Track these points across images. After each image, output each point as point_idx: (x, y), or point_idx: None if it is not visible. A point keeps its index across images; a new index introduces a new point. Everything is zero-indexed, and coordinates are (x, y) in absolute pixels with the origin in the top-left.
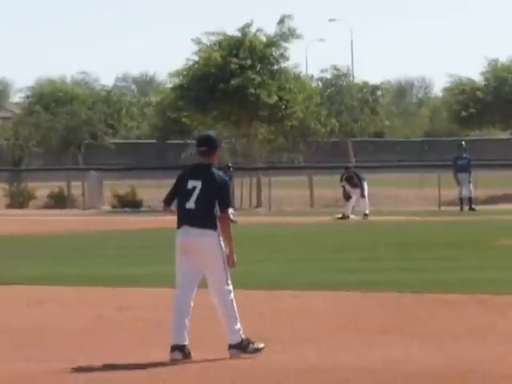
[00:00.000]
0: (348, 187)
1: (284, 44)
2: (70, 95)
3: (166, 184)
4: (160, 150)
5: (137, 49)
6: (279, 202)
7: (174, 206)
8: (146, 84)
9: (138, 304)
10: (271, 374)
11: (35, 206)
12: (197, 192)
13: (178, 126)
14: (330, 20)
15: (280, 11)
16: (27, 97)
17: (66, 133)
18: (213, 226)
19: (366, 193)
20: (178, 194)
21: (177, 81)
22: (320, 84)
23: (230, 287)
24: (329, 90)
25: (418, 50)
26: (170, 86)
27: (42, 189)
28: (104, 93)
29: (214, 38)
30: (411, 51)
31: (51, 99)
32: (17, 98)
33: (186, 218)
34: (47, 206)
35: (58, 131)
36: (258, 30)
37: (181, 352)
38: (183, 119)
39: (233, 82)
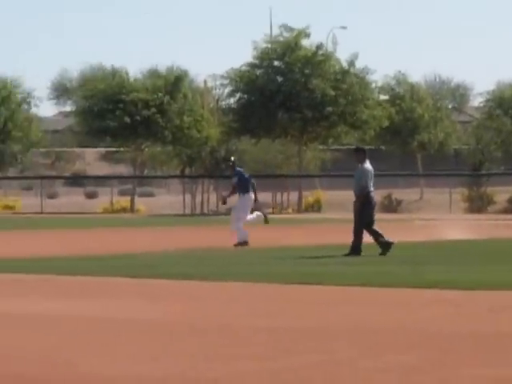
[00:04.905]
0: None
1: None
2: None
3: None
4: None
5: None
6: None
7: None
8: None
9: None
10: None
11: (494, 210)
12: None
13: None
14: None
15: None
16: (487, 101)
17: None
18: None
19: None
20: None
21: None
22: None
23: None
24: None
25: None
26: None
27: (502, 193)
28: None
29: None
30: None
31: None
32: (477, 102)
33: None
34: (506, 211)
35: None
36: None
37: None
38: None
39: None
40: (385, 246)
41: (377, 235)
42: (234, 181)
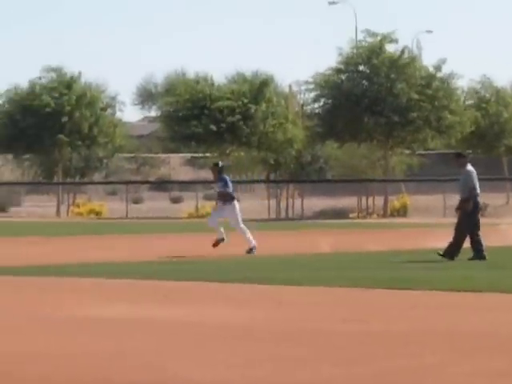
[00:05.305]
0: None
1: None
2: None
3: None
4: None
5: None
6: None
7: None
8: None
9: None
10: None
11: None
12: None
13: None
14: None
15: None
16: None
17: None
18: None
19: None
20: None
21: None
22: None
23: None
24: None
25: None
26: None
27: None
28: None
29: None
30: None
31: None
32: None
33: None
34: None
35: None
36: None
37: None
38: None
39: None
40: (478, 254)
41: (477, 244)
42: (220, 187)
